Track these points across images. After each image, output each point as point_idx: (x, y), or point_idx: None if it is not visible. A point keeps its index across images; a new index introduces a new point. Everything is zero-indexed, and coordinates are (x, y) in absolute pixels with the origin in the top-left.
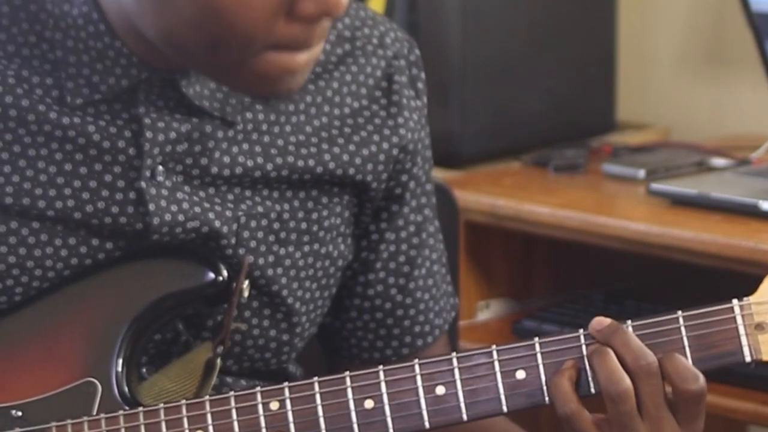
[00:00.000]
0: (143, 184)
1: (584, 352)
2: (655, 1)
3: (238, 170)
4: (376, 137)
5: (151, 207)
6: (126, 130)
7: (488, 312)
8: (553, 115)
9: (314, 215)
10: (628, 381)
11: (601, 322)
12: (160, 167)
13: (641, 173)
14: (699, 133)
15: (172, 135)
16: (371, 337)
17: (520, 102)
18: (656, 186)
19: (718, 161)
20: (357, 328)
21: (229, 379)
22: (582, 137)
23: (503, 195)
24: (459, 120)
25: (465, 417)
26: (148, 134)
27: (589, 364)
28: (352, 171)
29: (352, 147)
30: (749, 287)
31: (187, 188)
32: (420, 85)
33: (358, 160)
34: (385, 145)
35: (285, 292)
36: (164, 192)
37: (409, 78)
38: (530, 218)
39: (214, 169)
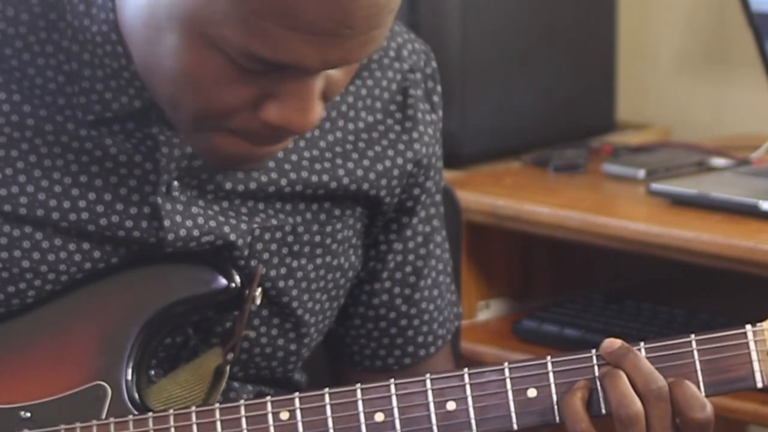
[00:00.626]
0: (159, 199)
1: (596, 373)
2: (655, 1)
3: (252, 185)
4: (390, 152)
5: (167, 223)
6: (142, 145)
7: (488, 312)
8: (553, 115)
9: (328, 228)
10: (639, 405)
11: (612, 343)
12: (176, 182)
13: (641, 173)
14: (699, 133)
15: (188, 150)
16: (374, 345)
17: (520, 102)
18: (656, 186)
19: (718, 161)
20: (360, 336)
21: (236, 384)
22: (582, 137)
23: (503, 195)
24: (459, 120)
25: None
26: (164, 150)
27: (601, 386)
28: (366, 186)
29: (366, 162)
30: (749, 287)
31: (201, 202)
32: (435, 98)
33: (372, 176)
34: (400, 161)
35: (295, 304)
36: (179, 207)
37: (424, 91)
38: (530, 218)
39: (228, 185)
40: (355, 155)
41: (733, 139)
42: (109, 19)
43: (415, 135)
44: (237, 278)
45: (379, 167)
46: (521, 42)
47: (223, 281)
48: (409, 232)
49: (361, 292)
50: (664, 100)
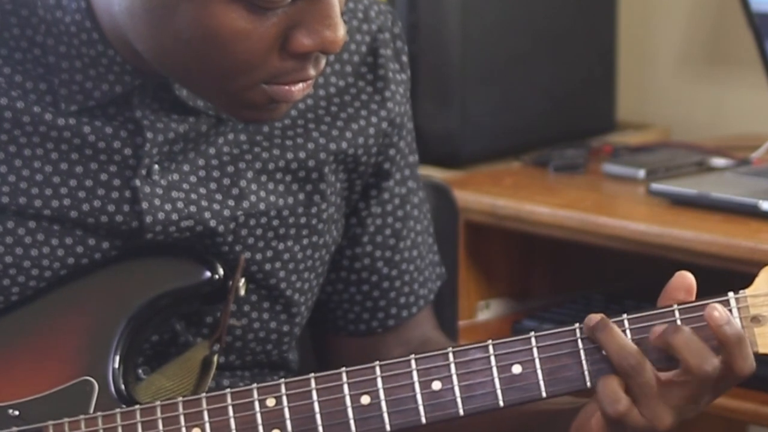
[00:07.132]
0: (138, 183)
1: (580, 346)
2: (655, 1)
3: (225, 158)
4: (363, 112)
5: (144, 205)
6: (122, 130)
7: (488, 312)
8: (553, 115)
9: (313, 209)
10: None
11: (591, 318)
12: (156, 166)
13: (641, 173)
14: (699, 133)
15: (171, 135)
16: (357, 309)
17: (520, 102)
18: (656, 186)
19: (718, 161)
20: (343, 301)
21: (227, 373)
22: (582, 137)
23: (503, 195)
24: (459, 120)
25: (461, 412)
26: (149, 135)
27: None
28: (344, 145)
29: (340, 123)
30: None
31: (185, 186)
32: (404, 58)
33: (348, 134)
34: (374, 119)
35: (283, 285)
36: (158, 191)
37: (393, 51)
38: (530, 218)
39: (201, 161)
40: (327, 118)
41: (733, 139)
42: (81, 8)
43: (387, 94)
44: (220, 270)
45: (354, 126)
46: (521, 42)
47: (207, 273)
48: (386, 195)
49: (342, 257)
50: (664, 100)
